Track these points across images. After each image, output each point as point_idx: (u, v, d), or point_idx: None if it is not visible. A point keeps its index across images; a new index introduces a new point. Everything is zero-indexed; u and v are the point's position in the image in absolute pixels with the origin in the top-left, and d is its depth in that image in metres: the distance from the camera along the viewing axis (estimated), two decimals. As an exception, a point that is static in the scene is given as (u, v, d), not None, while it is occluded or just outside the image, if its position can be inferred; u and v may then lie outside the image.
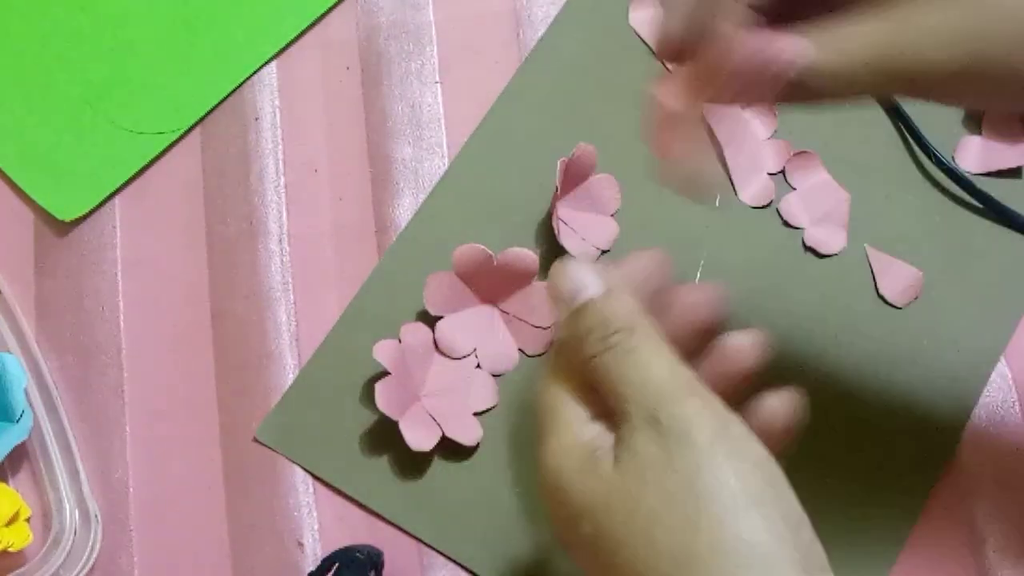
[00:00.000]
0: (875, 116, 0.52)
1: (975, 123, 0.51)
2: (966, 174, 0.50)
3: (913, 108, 0.51)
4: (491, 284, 0.47)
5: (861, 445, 0.47)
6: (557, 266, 0.32)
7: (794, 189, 0.50)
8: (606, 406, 0.32)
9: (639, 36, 0.53)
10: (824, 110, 0.33)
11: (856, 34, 0.28)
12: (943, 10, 0.26)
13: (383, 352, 0.45)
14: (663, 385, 0.29)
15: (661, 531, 0.26)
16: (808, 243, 0.49)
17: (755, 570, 0.25)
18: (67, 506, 0.46)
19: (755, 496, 0.26)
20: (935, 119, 0.50)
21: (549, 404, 0.31)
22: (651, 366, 0.29)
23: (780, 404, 0.33)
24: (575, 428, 0.30)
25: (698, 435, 0.27)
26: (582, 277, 0.31)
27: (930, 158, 0.50)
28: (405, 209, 0.51)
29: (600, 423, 0.31)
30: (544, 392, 0.32)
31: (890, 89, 0.29)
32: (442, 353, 0.47)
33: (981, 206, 0.50)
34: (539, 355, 0.48)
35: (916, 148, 0.51)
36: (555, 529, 0.30)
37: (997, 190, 0.49)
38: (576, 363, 0.31)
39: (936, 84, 0.27)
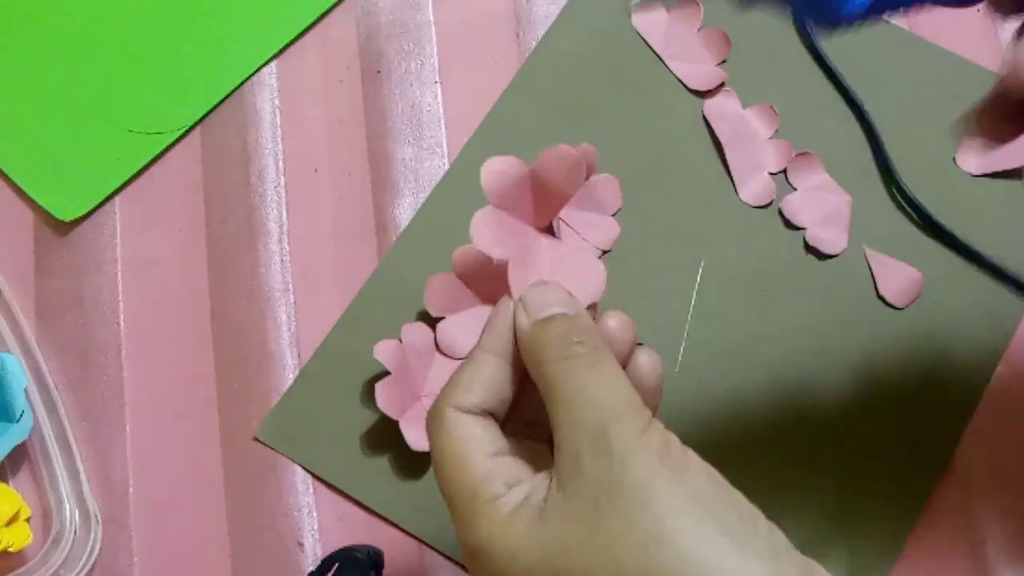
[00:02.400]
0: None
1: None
2: (926, 209, 0.49)
3: (894, 130, 0.51)
4: (491, 284, 0.47)
5: (861, 445, 0.47)
6: (532, 285, 0.32)
7: (795, 189, 0.50)
8: (532, 427, 0.31)
9: (640, 36, 0.53)
10: None
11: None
12: None
13: (383, 352, 0.45)
14: (617, 402, 0.28)
15: (625, 552, 0.26)
16: (809, 243, 0.49)
17: (728, 571, 0.25)
18: (67, 506, 0.46)
19: (707, 502, 0.26)
20: (926, 134, 0.50)
21: (457, 456, 0.29)
22: (609, 381, 0.29)
23: (649, 362, 0.33)
24: (500, 494, 0.28)
25: (645, 454, 0.27)
26: (556, 295, 0.31)
27: (901, 195, 0.50)
28: (405, 209, 0.51)
29: (514, 460, 0.30)
30: (444, 429, 0.30)
31: None
32: (443, 353, 0.47)
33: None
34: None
35: (918, 149, 0.51)
36: None
37: (998, 190, 0.50)
38: (530, 369, 0.30)
39: None
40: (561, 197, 0.42)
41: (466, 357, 0.32)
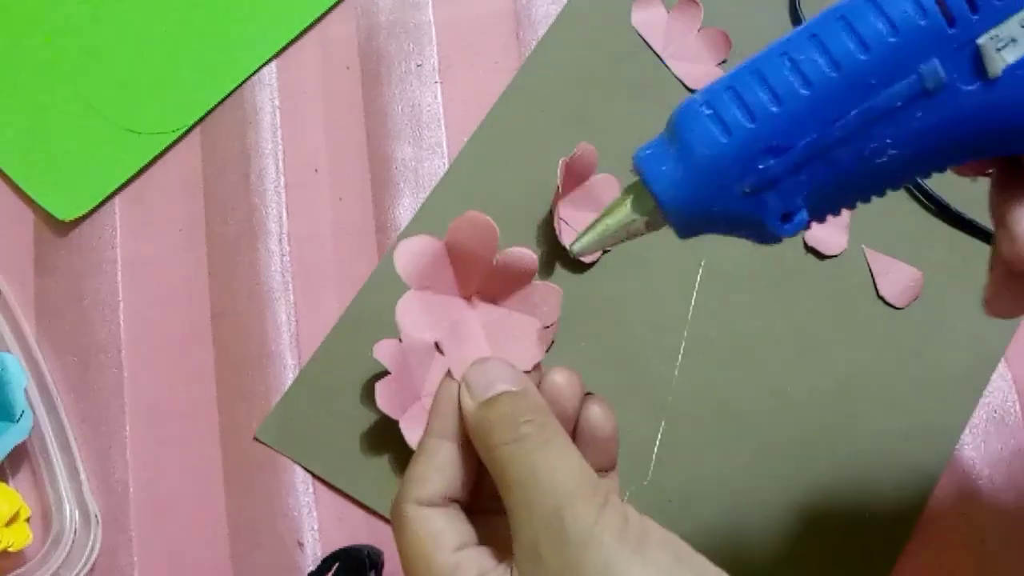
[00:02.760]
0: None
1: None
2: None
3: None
4: (491, 284, 0.47)
5: (861, 445, 0.47)
6: (473, 363, 0.31)
7: (794, 189, 0.50)
8: (489, 510, 0.31)
9: (640, 36, 0.53)
10: None
11: None
12: None
13: (383, 352, 0.45)
14: (570, 483, 0.28)
15: None
16: (809, 244, 0.49)
17: None
18: (67, 506, 0.46)
19: None
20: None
21: (420, 555, 0.29)
22: (559, 462, 0.28)
23: (602, 412, 0.33)
24: None
25: (603, 536, 0.26)
26: (500, 371, 0.31)
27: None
28: (405, 209, 0.51)
29: (478, 550, 0.29)
30: (406, 528, 0.29)
31: None
32: (443, 353, 0.47)
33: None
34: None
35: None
36: None
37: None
38: (480, 453, 0.30)
39: None
40: (481, 263, 0.42)
41: (417, 448, 0.31)
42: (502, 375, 0.31)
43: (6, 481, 0.47)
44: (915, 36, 0.26)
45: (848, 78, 0.27)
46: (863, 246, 0.49)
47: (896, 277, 0.49)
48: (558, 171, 0.46)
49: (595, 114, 0.51)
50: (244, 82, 0.53)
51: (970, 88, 0.27)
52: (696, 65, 0.52)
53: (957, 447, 0.47)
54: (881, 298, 0.49)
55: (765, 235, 0.29)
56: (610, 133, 0.51)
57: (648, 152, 0.29)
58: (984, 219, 0.49)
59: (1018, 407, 0.47)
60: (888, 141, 0.27)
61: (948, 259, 0.49)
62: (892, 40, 0.26)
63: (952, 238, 0.50)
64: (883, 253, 0.49)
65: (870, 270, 0.49)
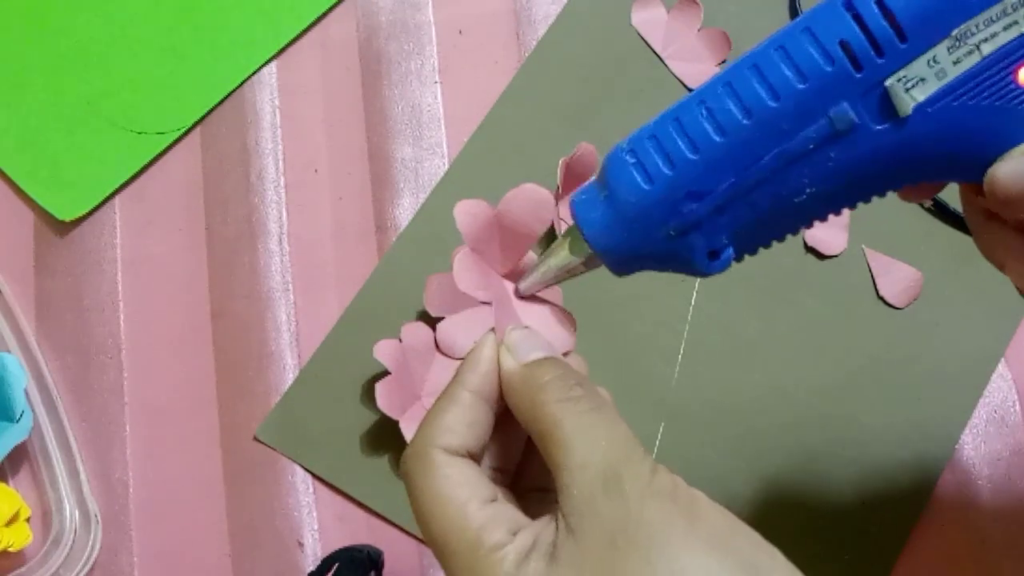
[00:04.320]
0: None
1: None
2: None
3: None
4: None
5: (862, 445, 0.47)
6: (512, 329, 0.32)
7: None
8: (500, 472, 0.31)
9: (640, 36, 0.53)
10: None
11: None
12: None
13: (383, 352, 0.45)
14: (625, 445, 0.28)
15: None
16: (809, 244, 0.49)
17: None
18: (67, 506, 0.46)
19: (724, 539, 0.26)
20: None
21: (452, 502, 0.28)
22: (614, 424, 0.28)
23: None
24: (505, 542, 0.27)
25: (658, 495, 0.27)
26: (540, 340, 0.31)
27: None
28: (405, 209, 0.51)
29: (510, 506, 0.29)
30: (434, 473, 0.28)
31: None
32: (443, 353, 0.47)
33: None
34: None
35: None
36: None
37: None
38: (524, 410, 0.30)
39: None
40: (530, 238, 0.41)
41: (444, 394, 0.31)
42: (543, 345, 0.31)
43: (6, 481, 0.47)
44: (823, 82, 0.27)
45: (760, 125, 0.28)
46: (863, 246, 0.49)
47: (896, 277, 0.49)
48: (558, 171, 0.46)
49: (595, 114, 0.51)
50: (244, 82, 0.53)
51: (881, 127, 0.27)
52: (696, 65, 0.52)
53: (957, 447, 0.47)
54: (881, 298, 0.49)
55: (695, 271, 0.31)
56: (610, 133, 0.50)
57: (582, 198, 0.31)
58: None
59: (1018, 407, 0.47)
60: (805, 180, 0.28)
61: (948, 259, 0.49)
62: (801, 87, 0.27)
63: (952, 238, 0.50)
64: (883, 253, 0.49)
65: (870, 270, 0.49)
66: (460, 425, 0.30)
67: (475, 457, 0.30)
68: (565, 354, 0.34)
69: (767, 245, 0.30)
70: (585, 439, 0.28)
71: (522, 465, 0.34)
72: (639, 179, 0.29)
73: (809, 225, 0.30)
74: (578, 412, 0.28)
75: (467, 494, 0.28)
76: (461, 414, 0.30)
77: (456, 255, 0.39)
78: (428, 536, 0.28)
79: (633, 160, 0.29)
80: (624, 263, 0.31)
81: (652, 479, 0.27)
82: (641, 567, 0.25)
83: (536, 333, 0.32)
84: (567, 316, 0.36)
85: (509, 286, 0.41)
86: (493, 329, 0.32)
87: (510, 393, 0.30)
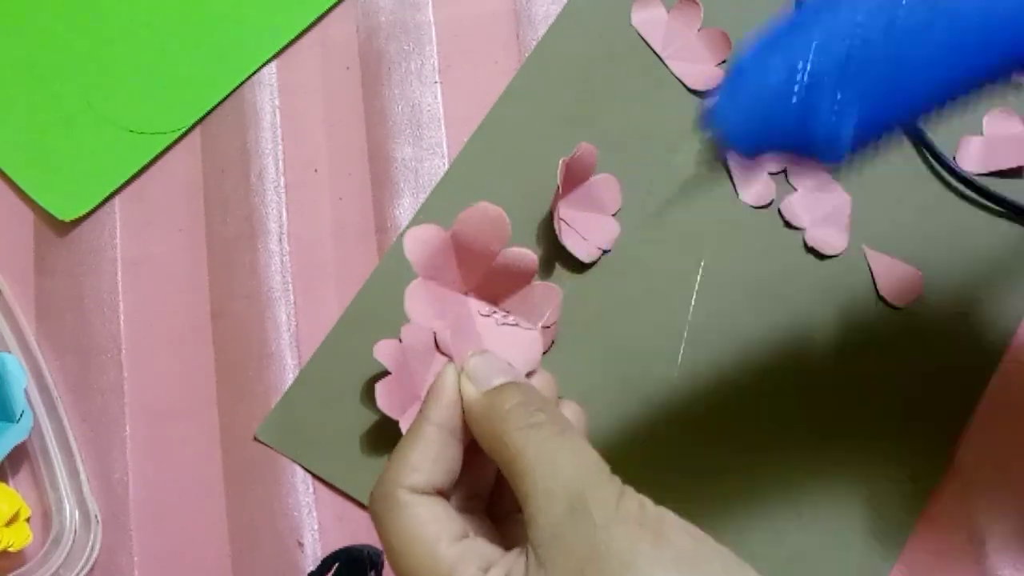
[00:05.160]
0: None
1: (976, 123, 0.51)
2: (967, 174, 0.50)
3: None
4: (491, 284, 0.47)
5: (861, 445, 0.47)
6: (473, 354, 0.32)
7: (796, 190, 0.50)
8: (472, 500, 0.31)
9: (640, 36, 0.53)
10: None
11: None
12: None
13: (383, 352, 0.45)
14: (591, 470, 0.28)
15: None
16: (809, 244, 0.49)
17: None
18: (67, 506, 0.46)
19: (691, 562, 0.26)
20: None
21: (421, 542, 0.28)
22: (579, 449, 0.28)
23: (574, 416, 0.33)
24: (470, 572, 0.27)
25: (625, 521, 0.26)
26: (500, 364, 0.31)
27: (936, 160, 0.50)
28: (405, 209, 0.51)
29: (481, 540, 0.29)
30: (402, 514, 0.28)
31: None
32: (443, 353, 0.47)
33: (993, 205, 0.49)
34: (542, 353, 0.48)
35: (917, 149, 0.51)
36: None
37: (998, 190, 0.50)
38: (488, 440, 0.29)
39: None
40: (487, 256, 0.41)
41: (409, 430, 0.31)
42: (504, 369, 0.31)
43: (6, 481, 0.47)
44: None
45: None
46: (863, 246, 0.49)
47: (896, 277, 0.49)
48: (558, 171, 0.46)
49: (595, 114, 0.51)
50: (244, 82, 0.53)
51: None
52: (696, 65, 0.52)
53: (957, 447, 0.47)
54: (881, 298, 0.49)
55: (819, 150, 0.30)
56: (610, 133, 0.51)
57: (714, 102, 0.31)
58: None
59: (1018, 407, 0.47)
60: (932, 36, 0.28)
61: (948, 259, 0.49)
62: None
63: (952, 238, 0.50)
64: (883, 253, 0.49)
65: (870, 270, 0.49)
66: (426, 462, 0.29)
67: (444, 492, 0.30)
68: (529, 374, 0.33)
69: (889, 131, 0.30)
70: (548, 467, 0.27)
71: (497, 488, 0.33)
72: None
73: (930, 111, 0.29)
74: (540, 439, 0.28)
75: (436, 532, 0.28)
76: (426, 450, 0.30)
77: (407, 288, 0.39)
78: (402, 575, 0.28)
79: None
80: (751, 140, 0.30)
81: (618, 504, 0.27)
82: None
83: (495, 357, 0.31)
84: (529, 334, 0.36)
85: (472, 304, 0.41)
86: (451, 360, 0.32)
87: (473, 423, 0.30)
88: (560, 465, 0.27)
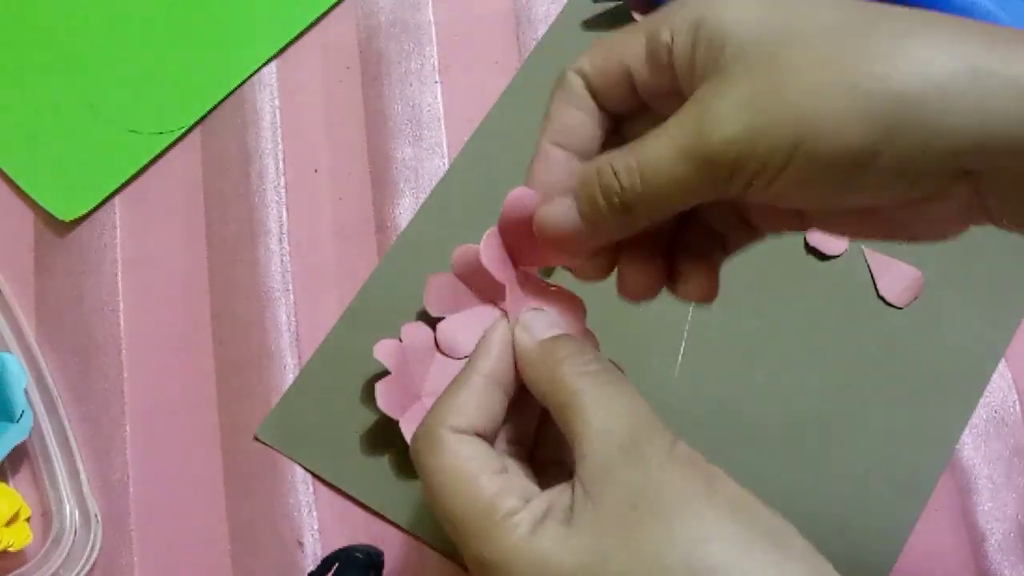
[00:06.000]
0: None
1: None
2: None
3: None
4: (491, 284, 0.47)
5: (861, 445, 0.47)
6: (527, 309, 0.32)
7: (794, 189, 0.50)
8: (515, 445, 0.31)
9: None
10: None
11: (662, 132, 0.27)
12: (733, 85, 0.26)
13: (383, 351, 0.45)
14: (647, 415, 0.28)
15: (670, 554, 0.25)
16: (810, 244, 0.49)
17: (771, 571, 0.25)
18: (67, 506, 0.46)
19: (744, 507, 0.26)
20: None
21: (462, 475, 0.28)
22: (634, 397, 0.29)
23: None
24: (518, 508, 0.27)
25: (678, 463, 0.27)
26: (556, 319, 0.31)
27: None
28: (405, 209, 0.51)
29: (520, 477, 0.29)
30: (442, 449, 0.28)
31: (715, 178, 0.27)
32: (443, 353, 0.47)
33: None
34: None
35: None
36: None
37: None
38: (542, 383, 0.30)
39: (743, 164, 0.26)
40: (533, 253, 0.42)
41: (456, 379, 0.31)
42: (559, 323, 0.31)
43: (6, 481, 0.47)
44: None
45: None
46: (863, 246, 0.49)
47: (896, 277, 0.49)
48: (558, 171, 0.46)
49: (595, 114, 0.51)
50: (244, 82, 0.53)
51: None
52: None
53: (957, 447, 0.47)
54: (881, 298, 0.49)
55: None
56: (610, 133, 0.51)
57: None
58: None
59: (1018, 407, 0.47)
60: None
61: (948, 259, 0.49)
62: None
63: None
64: (883, 253, 0.49)
65: (870, 270, 0.49)
66: (469, 407, 0.30)
67: (486, 437, 0.30)
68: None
69: None
70: (605, 409, 0.28)
71: (537, 439, 0.34)
72: None
73: None
74: (597, 384, 0.29)
75: (477, 467, 0.28)
76: (471, 397, 0.30)
77: (486, 233, 0.39)
78: (441, 512, 0.28)
79: None
80: None
81: (673, 448, 0.27)
82: (661, 530, 0.25)
83: (550, 313, 0.32)
84: (575, 304, 0.36)
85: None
86: (505, 314, 0.32)
87: (527, 368, 0.30)
88: (615, 408, 0.28)
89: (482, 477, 0.28)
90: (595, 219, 0.29)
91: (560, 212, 0.30)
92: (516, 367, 0.31)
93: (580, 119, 0.31)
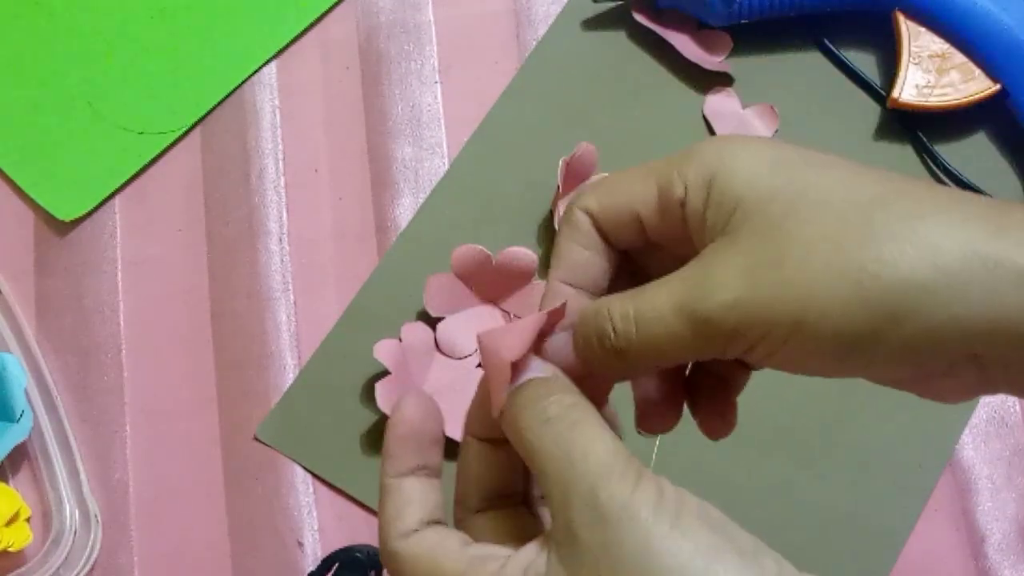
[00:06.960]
0: (879, 117, 0.52)
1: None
2: (962, 175, 0.50)
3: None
4: (491, 284, 0.47)
5: (861, 445, 0.47)
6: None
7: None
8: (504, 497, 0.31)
9: (640, 36, 0.53)
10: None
11: (663, 284, 0.27)
12: (730, 252, 0.26)
13: (384, 351, 0.45)
14: (601, 461, 0.27)
15: None
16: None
17: None
18: (67, 506, 0.46)
19: (709, 552, 0.26)
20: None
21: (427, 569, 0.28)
22: (590, 441, 0.28)
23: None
24: (496, 570, 0.27)
25: (639, 511, 0.26)
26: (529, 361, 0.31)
27: (932, 160, 0.50)
28: (405, 209, 0.51)
29: (482, 546, 0.29)
30: (401, 557, 0.28)
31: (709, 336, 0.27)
32: (443, 353, 0.47)
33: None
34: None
35: (918, 147, 0.51)
36: None
37: (995, 189, 0.50)
38: (512, 443, 0.29)
39: (737, 328, 0.26)
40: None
41: (380, 487, 0.30)
42: (532, 364, 0.30)
43: (6, 481, 0.47)
44: None
45: None
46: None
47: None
48: (558, 171, 0.47)
49: (595, 114, 0.51)
50: (244, 82, 0.53)
51: None
52: (696, 64, 0.52)
53: (957, 447, 0.47)
54: (881, 298, 0.49)
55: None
56: (610, 133, 0.51)
57: None
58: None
59: (1018, 407, 0.47)
60: None
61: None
62: None
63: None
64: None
65: (870, 270, 0.49)
66: (403, 510, 0.29)
67: (439, 520, 0.30)
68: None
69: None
70: (561, 464, 0.27)
71: (527, 476, 0.33)
72: None
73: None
74: (552, 437, 0.28)
75: (434, 560, 0.28)
76: (397, 500, 0.30)
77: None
78: None
79: None
80: None
81: (632, 494, 0.26)
82: None
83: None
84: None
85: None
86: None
87: (501, 423, 0.30)
88: (573, 461, 0.27)
89: (445, 564, 0.28)
90: (590, 359, 0.29)
91: (558, 346, 0.30)
92: (429, 448, 0.30)
93: (587, 257, 0.31)
